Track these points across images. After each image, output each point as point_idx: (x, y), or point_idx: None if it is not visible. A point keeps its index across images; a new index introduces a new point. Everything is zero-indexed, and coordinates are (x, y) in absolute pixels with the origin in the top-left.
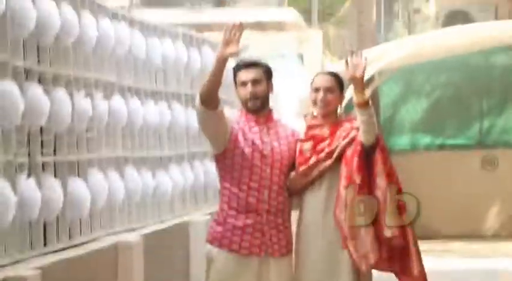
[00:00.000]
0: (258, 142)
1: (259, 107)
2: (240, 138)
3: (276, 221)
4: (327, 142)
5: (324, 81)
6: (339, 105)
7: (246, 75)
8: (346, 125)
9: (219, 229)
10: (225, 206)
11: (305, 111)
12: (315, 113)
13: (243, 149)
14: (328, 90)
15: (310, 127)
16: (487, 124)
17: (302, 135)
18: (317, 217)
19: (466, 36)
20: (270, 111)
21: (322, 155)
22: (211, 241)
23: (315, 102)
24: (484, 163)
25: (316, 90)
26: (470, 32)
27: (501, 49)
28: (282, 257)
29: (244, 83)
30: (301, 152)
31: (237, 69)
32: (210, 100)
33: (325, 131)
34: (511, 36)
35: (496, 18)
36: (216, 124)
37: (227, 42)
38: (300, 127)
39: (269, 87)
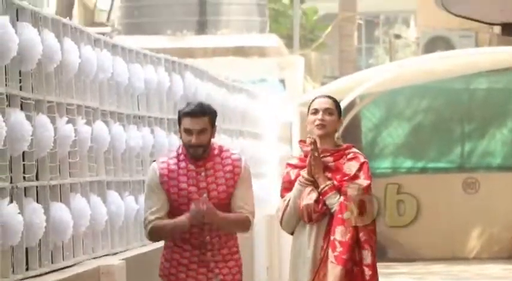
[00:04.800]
0: (193, 189)
1: (200, 155)
2: (174, 189)
3: (221, 253)
4: (331, 174)
5: (323, 103)
6: (337, 130)
7: (192, 124)
8: (353, 164)
9: (167, 265)
10: (171, 243)
11: (285, 135)
12: (312, 137)
13: (178, 199)
14: (326, 111)
15: (307, 154)
16: (468, 148)
17: (293, 159)
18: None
19: (447, 62)
20: (210, 149)
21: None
22: (161, 275)
23: (313, 124)
24: (466, 186)
25: (315, 111)
26: (451, 58)
27: (481, 74)
28: None
29: (189, 131)
30: (295, 178)
31: (183, 115)
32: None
33: (328, 159)
34: (491, 62)
35: (477, 45)
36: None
37: (195, 217)
38: (283, 151)
39: (213, 133)
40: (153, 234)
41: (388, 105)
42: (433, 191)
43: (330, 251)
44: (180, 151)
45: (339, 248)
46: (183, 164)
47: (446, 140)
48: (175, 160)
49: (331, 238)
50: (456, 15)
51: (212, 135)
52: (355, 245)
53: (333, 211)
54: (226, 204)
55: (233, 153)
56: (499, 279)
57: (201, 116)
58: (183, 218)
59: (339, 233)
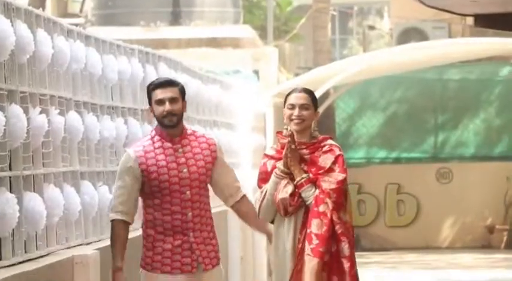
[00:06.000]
0: (173, 165)
1: (175, 124)
2: (153, 168)
3: (202, 235)
4: (306, 167)
5: (299, 98)
6: (313, 122)
7: (163, 93)
8: (328, 156)
9: (150, 254)
10: (152, 232)
11: (257, 124)
12: (289, 129)
13: (159, 177)
14: (303, 107)
15: (284, 146)
16: (441, 138)
17: (270, 150)
18: (290, 244)
19: (420, 52)
20: (183, 127)
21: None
22: (144, 266)
23: (289, 119)
24: (439, 176)
25: (292, 107)
26: (425, 49)
27: (455, 65)
28: (213, 269)
29: (161, 101)
30: (272, 169)
31: (153, 88)
32: None
33: (304, 152)
34: (464, 53)
35: (450, 36)
36: None
37: None
38: (257, 141)
39: (184, 105)
40: (110, 228)
41: (362, 96)
42: (406, 180)
43: (306, 243)
44: (153, 133)
45: (315, 241)
46: (158, 144)
47: (420, 131)
48: (149, 142)
49: (308, 230)
50: (429, 7)
51: (183, 108)
52: (331, 238)
53: (308, 203)
54: (204, 180)
55: (206, 134)
56: (472, 268)
57: (171, 86)
58: (118, 261)
59: (315, 226)
